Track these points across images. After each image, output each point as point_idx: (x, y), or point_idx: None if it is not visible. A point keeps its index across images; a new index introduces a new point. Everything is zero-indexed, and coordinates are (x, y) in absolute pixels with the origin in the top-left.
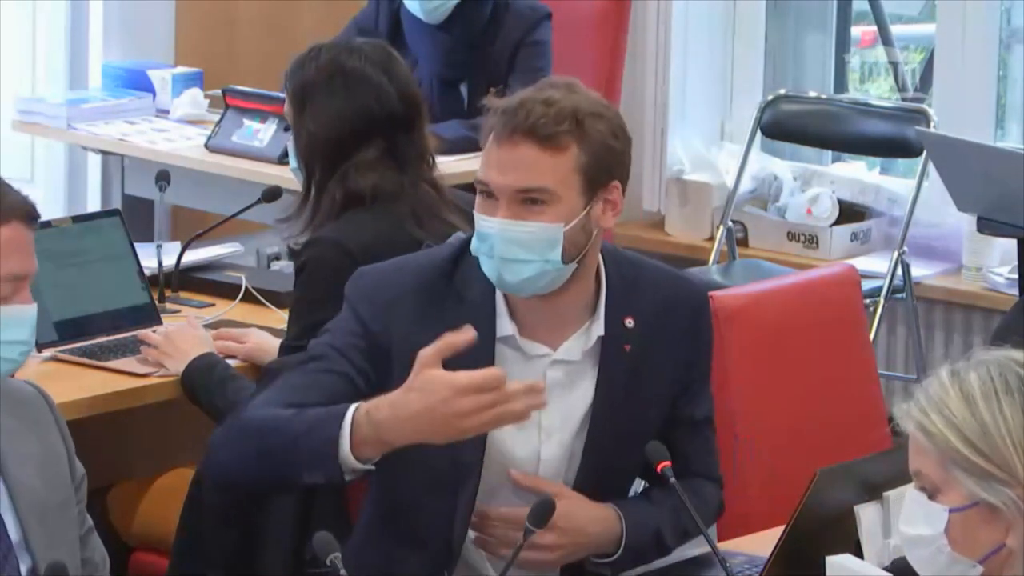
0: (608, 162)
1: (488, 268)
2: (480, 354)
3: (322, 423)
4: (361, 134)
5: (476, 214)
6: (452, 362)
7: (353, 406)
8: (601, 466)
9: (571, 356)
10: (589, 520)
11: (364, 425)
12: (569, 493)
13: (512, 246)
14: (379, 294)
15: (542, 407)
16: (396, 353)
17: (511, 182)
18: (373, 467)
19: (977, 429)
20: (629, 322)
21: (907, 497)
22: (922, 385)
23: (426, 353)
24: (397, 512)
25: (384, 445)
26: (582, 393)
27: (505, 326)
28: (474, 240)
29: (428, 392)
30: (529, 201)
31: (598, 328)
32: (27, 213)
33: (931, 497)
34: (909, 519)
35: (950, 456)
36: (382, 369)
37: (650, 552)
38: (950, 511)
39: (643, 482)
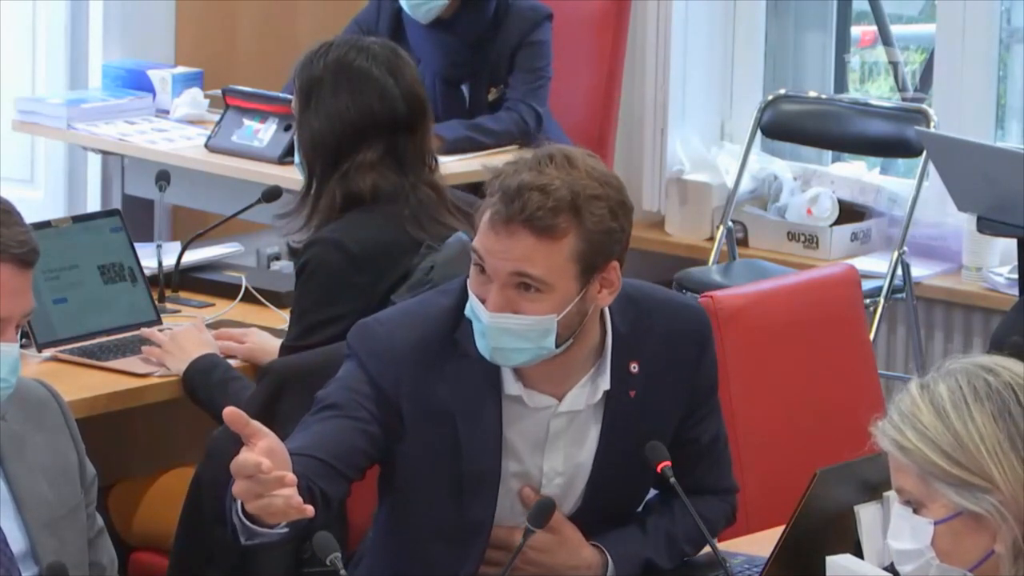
0: (606, 245)
1: (481, 346)
2: (488, 410)
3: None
4: (363, 134)
5: (470, 289)
6: (463, 418)
7: None
8: (602, 504)
9: (576, 407)
10: (567, 564)
11: None
12: (564, 530)
13: (504, 336)
14: (386, 351)
15: (307, 514)
16: (406, 410)
17: (506, 267)
18: (283, 531)
19: (951, 440)
20: (634, 367)
21: (893, 512)
22: (894, 401)
23: (236, 426)
24: (408, 555)
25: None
26: (587, 442)
27: (511, 385)
28: (468, 310)
29: None
30: (523, 286)
31: (604, 382)
32: (18, 255)
33: (916, 511)
34: (896, 533)
35: (928, 470)
36: (392, 423)
37: None
38: (935, 523)
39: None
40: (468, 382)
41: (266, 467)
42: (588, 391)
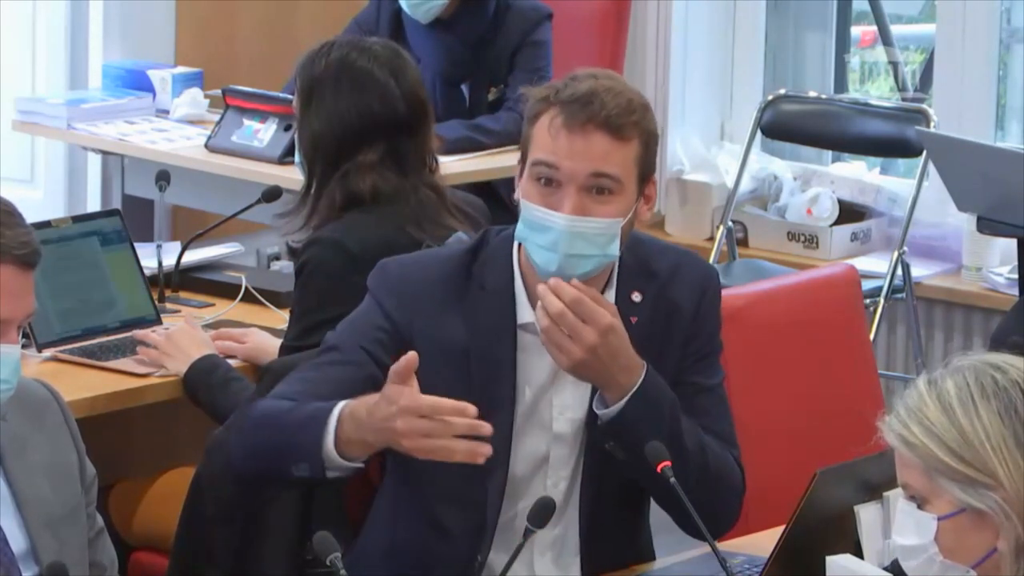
0: (654, 153)
1: (546, 260)
2: (503, 340)
3: (312, 419)
4: (363, 135)
5: (534, 207)
6: (478, 349)
7: (341, 404)
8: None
9: None
10: (625, 352)
11: (347, 424)
12: (620, 325)
13: (578, 241)
14: (404, 286)
15: (482, 458)
16: (418, 345)
17: (585, 168)
18: (361, 465)
19: (957, 437)
20: (636, 296)
21: (897, 507)
22: (901, 396)
23: (401, 364)
24: (428, 500)
25: (366, 446)
26: None
27: (525, 313)
28: (523, 229)
29: (388, 403)
30: (596, 190)
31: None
32: (20, 256)
33: (920, 507)
34: (900, 529)
35: (933, 466)
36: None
37: (662, 424)
38: (939, 519)
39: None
40: (482, 313)
41: (471, 411)
42: None
